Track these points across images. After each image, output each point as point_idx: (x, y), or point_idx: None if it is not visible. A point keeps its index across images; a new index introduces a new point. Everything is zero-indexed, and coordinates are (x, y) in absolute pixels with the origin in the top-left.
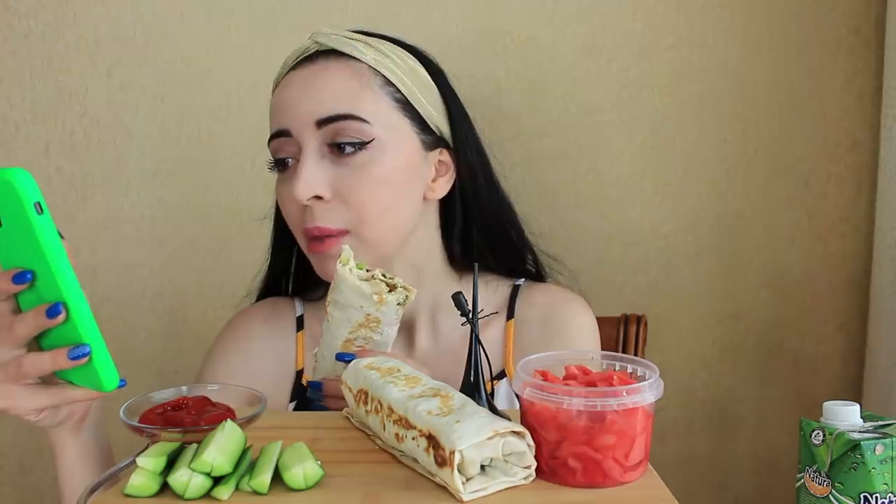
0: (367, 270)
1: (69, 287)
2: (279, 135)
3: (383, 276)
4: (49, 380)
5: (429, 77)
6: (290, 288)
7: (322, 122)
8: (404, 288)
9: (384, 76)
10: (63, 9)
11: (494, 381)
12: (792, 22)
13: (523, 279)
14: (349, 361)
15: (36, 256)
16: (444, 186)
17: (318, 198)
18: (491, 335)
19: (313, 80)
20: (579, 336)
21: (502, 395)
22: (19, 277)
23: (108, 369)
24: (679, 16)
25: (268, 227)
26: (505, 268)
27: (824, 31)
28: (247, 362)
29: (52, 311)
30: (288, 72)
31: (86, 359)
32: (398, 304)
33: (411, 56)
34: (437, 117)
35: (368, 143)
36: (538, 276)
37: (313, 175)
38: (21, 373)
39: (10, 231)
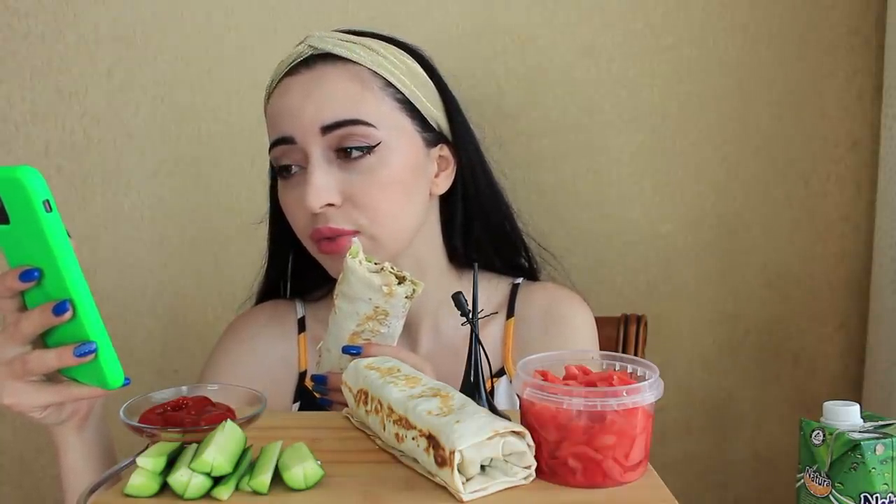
0: (376, 263)
1: (76, 285)
2: (282, 142)
3: (392, 268)
4: (54, 377)
5: (425, 74)
6: (287, 291)
7: (327, 129)
8: (412, 281)
9: (384, 78)
10: (63, 9)
11: (494, 379)
12: (792, 22)
13: (521, 278)
14: (356, 354)
15: (44, 254)
16: (445, 181)
17: (330, 205)
18: (491, 333)
19: (314, 86)
20: (579, 334)
21: (502, 392)
22: (26, 275)
23: (113, 367)
24: (679, 16)
25: (267, 228)
26: (505, 262)
27: (824, 30)
28: (249, 365)
29: (59, 309)
30: (283, 77)
31: (91, 356)
32: (406, 296)
33: (406, 54)
34: (435, 113)
35: (376, 146)
36: (532, 270)
37: (324, 183)
38: (26, 369)
39: (19, 228)
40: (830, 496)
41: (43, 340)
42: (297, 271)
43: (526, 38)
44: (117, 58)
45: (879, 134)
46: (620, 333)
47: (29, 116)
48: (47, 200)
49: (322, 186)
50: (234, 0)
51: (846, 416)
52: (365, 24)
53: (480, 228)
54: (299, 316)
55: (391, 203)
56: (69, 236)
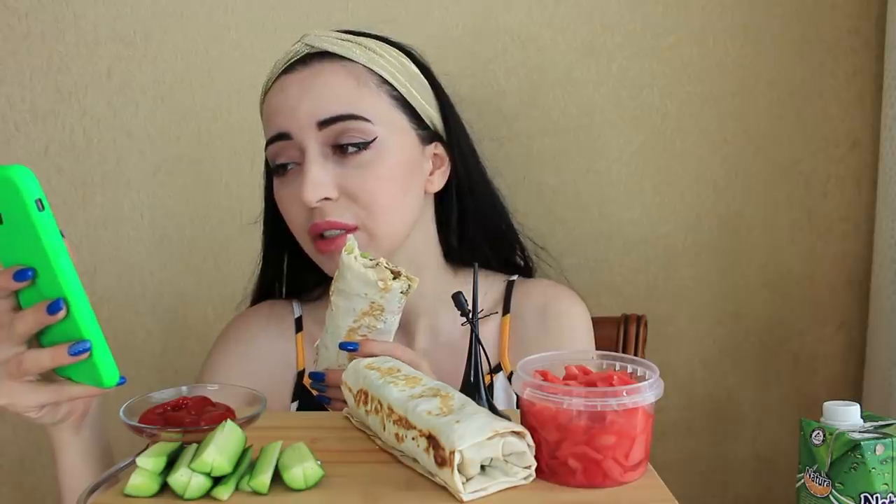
0: (372, 259)
1: (70, 284)
2: (279, 138)
3: (387, 264)
4: (49, 377)
5: (419, 73)
6: (283, 291)
7: (324, 123)
8: (407, 277)
9: (379, 75)
10: (63, 9)
11: (492, 375)
12: (792, 22)
13: (516, 275)
14: (353, 350)
15: (37, 253)
16: (440, 179)
17: (326, 199)
18: (487, 330)
19: (310, 82)
20: (576, 331)
21: (499, 387)
22: (20, 275)
23: (108, 366)
24: (679, 16)
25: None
26: (500, 259)
27: (824, 31)
28: (247, 364)
29: (53, 308)
30: (280, 75)
31: (86, 355)
32: (401, 292)
33: (402, 53)
34: (430, 112)
35: (371, 141)
36: (528, 269)
37: (320, 177)
38: (21, 370)
39: (12, 228)
40: (830, 496)
41: (38, 340)
42: (292, 273)
43: (526, 38)
44: (117, 58)
45: (879, 134)
46: (620, 333)
47: (29, 116)
48: (40, 199)
49: (319, 181)
50: (234, 0)
51: (846, 416)
52: (364, 23)
53: (475, 227)
54: (296, 316)
55: (387, 197)
56: (62, 235)
